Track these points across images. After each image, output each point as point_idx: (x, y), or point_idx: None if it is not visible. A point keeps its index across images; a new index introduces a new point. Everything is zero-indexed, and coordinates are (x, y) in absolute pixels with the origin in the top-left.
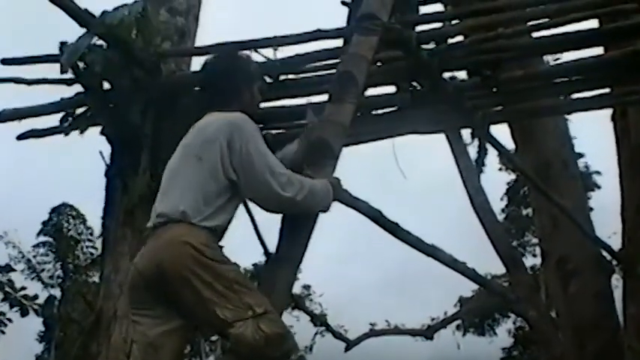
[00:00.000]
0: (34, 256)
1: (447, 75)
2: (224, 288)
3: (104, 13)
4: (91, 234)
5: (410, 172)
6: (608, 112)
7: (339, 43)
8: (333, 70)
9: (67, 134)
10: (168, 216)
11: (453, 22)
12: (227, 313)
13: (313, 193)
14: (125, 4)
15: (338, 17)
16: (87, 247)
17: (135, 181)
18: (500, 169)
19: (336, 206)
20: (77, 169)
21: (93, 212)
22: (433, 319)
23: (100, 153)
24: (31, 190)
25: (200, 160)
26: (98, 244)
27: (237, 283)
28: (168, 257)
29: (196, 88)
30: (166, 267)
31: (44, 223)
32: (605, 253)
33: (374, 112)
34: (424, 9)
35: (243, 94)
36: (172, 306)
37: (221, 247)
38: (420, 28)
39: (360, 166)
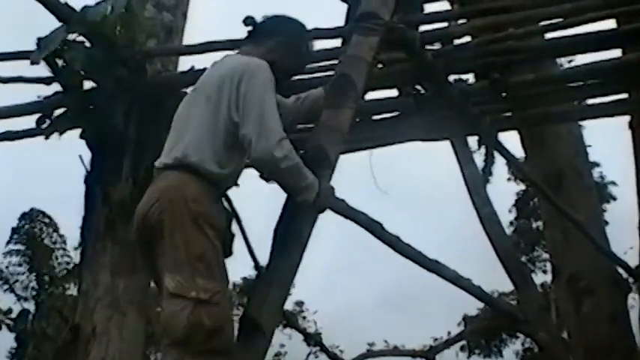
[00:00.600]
0: (7, 267)
1: (452, 78)
2: (185, 257)
3: (85, 7)
4: (65, 242)
5: (411, 180)
6: (626, 118)
7: (336, 43)
8: (331, 73)
9: (47, 137)
10: (165, 162)
11: (460, 21)
12: (172, 283)
13: (299, 170)
14: None
15: (335, 15)
16: (61, 256)
17: (116, 189)
18: (508, 179)
19: (332, 216)
20: (50, 173)
21: (67, 220)
22: (435, 340)
23: (80, 157)
24: None
25: (208, 100)
26: (73, 254)
27: (199, 259)
28: (155, 210)
29: (185, 90)
30: (155, 216)
31: (14, 230)
32: (620, 270)
33: (374, 118)
34: (429, 7)
35: (276, 44)
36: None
37: (219, 200)
38: (424, 27)
39: (358, 173)
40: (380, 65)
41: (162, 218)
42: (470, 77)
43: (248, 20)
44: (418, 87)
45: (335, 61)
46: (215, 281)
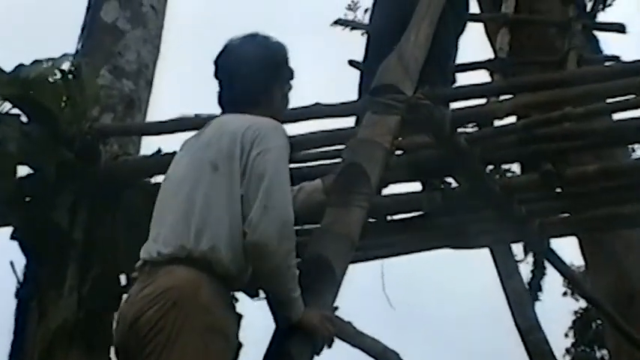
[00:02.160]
0: None
1: (492, 169)
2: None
3: (19, 67)
4: None
5: (438, 295)
6: None
7: (346, 122)
8: (336, 161)
9: None
10: (165, 252)
11: (502, 97)
12: None
13: (295, 276)
14: (50, 58)
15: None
16: None
17: (57, 305)
18: (564, 294)
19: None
20: None
21: None
22: None
23: (11, 264)
24: None
25: (215, 169)
26: None
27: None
28: (153, 315)
29: (148, 179)
30: (145, 330)
31: None
32: None
33: (391, 218)
34: (463, 79)
35: (274, 94)
36: None
37: (232, 303)
38: (456, 104)
39: (368, 284)
40: (400, 152)
41: (163, 326)
42: (515, 168)
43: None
44: (448, 180)
45: (341, 147)
46: None
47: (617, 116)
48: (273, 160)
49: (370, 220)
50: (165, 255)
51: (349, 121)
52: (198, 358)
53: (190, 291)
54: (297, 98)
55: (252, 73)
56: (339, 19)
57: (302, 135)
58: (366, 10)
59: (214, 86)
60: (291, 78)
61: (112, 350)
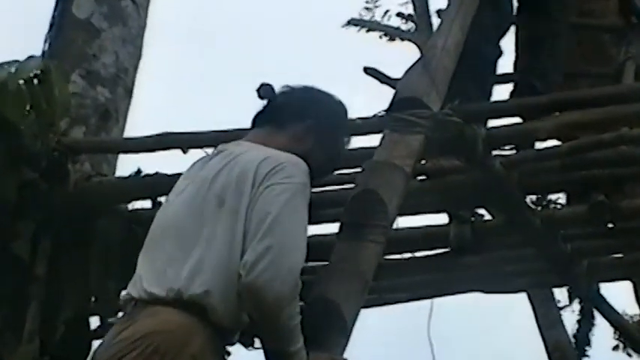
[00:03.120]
0: None
1: (532, 199)
2: None
3: None
4: None
5: (467, 345)
6: None
7: (361, 141)
8: (350, 187)
9: None
10: (154, 292)
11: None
12: None
13: (297, 328)
14: (12, 61)
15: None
16: None
17: (15, 353)
18: (614, 348)
19: None
20: None
21: None
22: None
23: None
24: None
25: (221, 205)
26: None
27: None
28: None
29: (126, 205)
30: None
31: None
32: None
33: (412, 256)
34: (500, 92)
35: (305, 130)
36: None
37: (225, 351)
38: (491, 123)
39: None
40: (423, 177)
41: None
42: (559, 199)
43: (263, 90)
44: (479, 211)
45: (355, 170)
46: None
47: None
48: (287, 195)
49: (387, 257)
50: (152, 294)
51: (365, 140)
52: None
53: (179, 337)
54: None
55: (290, 104)
56: (353, 19)
57: None
58: (386, 12)
59: (203, 94)
60: (338, 137)
61: None
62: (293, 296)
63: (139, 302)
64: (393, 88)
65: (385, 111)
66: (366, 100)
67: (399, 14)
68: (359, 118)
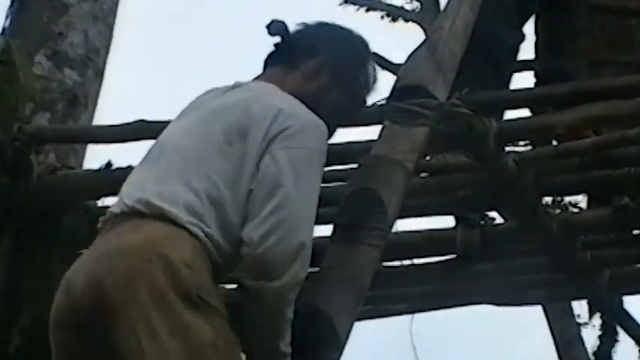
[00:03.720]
0: None
1: (548, 201)
2: (188, 351)
3: None
4: None
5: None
6: None
7: (359, 133)
8: (342, 184)
9: None
10: (145, 199)
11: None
12: None
13: (288, 326)
14: None
15: None
16: None
17: None
18: None
19: None
20: None
21: None
22: None
23: None
24: None
25: (229, 144)
26: None
27: (213, 347)
28: (118, 275)
29: (94, 201)
30: (110, 292)
31: None
32: None
33: (414, 262)
34: (518, 81)
35: (318, 67)
36: None
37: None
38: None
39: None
40: (427, 175)
41: (125, 298)
42: (579, 201)
43: (274, 26)
44: (490, 214)
45: (351, 166)
46: None
47: None
48: (303, 165)
49: (386, 263)
50: (134, 207)
51: (362, 133)
52: (193, 321)
53: (167, 247)
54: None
55: (316, 35)
56: None
57: None
58: None
59: (185, 78)
60: (356, 88)
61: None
62: (299, 279)
63: (119, 216)
64: (395, 74)
65: (385, 100)
66: None
67: None
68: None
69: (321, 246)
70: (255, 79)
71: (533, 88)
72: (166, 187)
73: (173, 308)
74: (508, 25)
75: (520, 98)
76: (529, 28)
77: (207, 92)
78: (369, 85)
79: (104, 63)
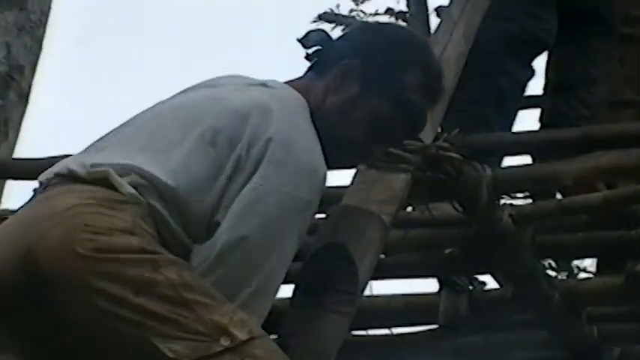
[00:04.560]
0: None
1: (549, 264)
2: (164, 301)
3: None
4: None
5: None
6: None
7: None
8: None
9: None
10: (91, 166)
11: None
12: (178, 347)
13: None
14: None
15: None
16: None
17: None
18: None
19: None
20: None
21: None
22: None
23: None
24: None
25: (213, 147)
26: None
27: (185, 286)
28: (52, 240)
29: None
30: (44, 259)
31: None
32: None
33: (391, 332)
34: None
35: (343, 81)
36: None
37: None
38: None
39: None
40: (407, 230)
41: (64, 265)
42: (586, 266)
43: (309, 38)
44: (479, 277)
45: (320, 216)
46: (229, 304)
47: None
48: (281, 214)
49: (356, 332)
50: (73, 171)
51: (332, 178)
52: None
53: (106, 210)
54: None
55: (348, 40)
56: (325, 14)
57: None
58: (375, 12)
59: (127, 98)
60: (399, 91)
61: None
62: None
63: (52, 180)
64: None
65: None
66: None
67: (388, 10)
68: None
69: (280, 310)
70: (289, 81)
71: (536, 131)
72: (124, 157)
73: (124, 271)
74: (517, 59)
75: (521, 142)
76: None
77: (230, 77)
78: (422, 86)
79: (30, 83)
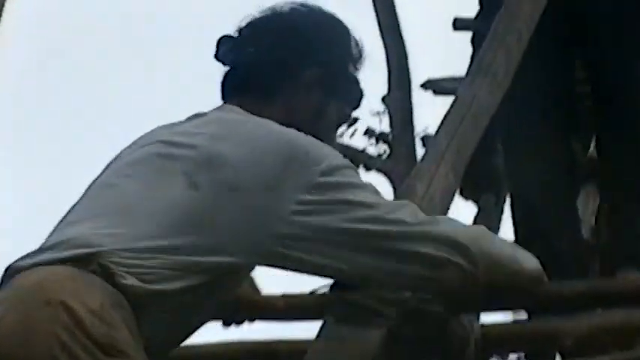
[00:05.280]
0: None
1: None
2: None
3: None
4: None
5: None
6: None
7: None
8: None
9: None
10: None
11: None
12: None
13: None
14: None
15: None
16: None
17: None
18: None
19: None
20: None
21: None
22: None
23: None
24: None
25: (195, 189)
26: None
27: None
28: (10, 321)
29: None
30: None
31: None
32: None
33: None
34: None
35: (306, 95)
36: None
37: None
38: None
39: None
40: None
41: (18, 352)
42: None
43: (224, 50)
44: None
45: None
46: None
47: None
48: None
49: None
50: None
51: (293, 330)
52: None
53: (71, 288)
54: None
55: (277, 43)
56: None
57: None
58: (353, 132)
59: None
60: (349, 86)
61: None
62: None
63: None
64: None
65: (329, 288)
66: None
67: (367, 131)
68: (283, 296)
69: None
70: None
71: None
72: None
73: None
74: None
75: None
76: None
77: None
78: (357, 66)
79: None
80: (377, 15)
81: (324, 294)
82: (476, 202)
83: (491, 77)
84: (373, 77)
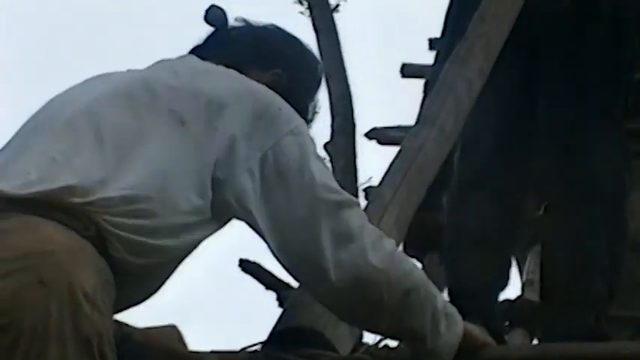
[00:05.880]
0: None
1: None
2: None
3: None
4: None
5: None
6: None
7: None
8: None
9: None
10: (35, 194)
11: None
12: None
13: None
14: None
15: None
16: None
17: None
18: None
19: None
20: None
21: None
22: None
23: None
24: None
25: (183, 126)
26: None
27: None
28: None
29: None
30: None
31: None
32: None
33: None
34: None
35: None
36: None
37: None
38: None
39: None
40: None
41: (16, 321)
42: None
43: (213, 14)
44: None
45: None
46: None
47: None
48: (311, 156)
49: None
50: (22, 194)
51: None
52: None
53: (65, 264)
54: None
55: (266, 43)
56: None
57: None
58: None
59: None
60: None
61: None
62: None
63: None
64: (281, 305)
65: (262, 344)
66: None
67: None
68: (213, 352)
69: None
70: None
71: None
72: (83, 166)
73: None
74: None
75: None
76: None
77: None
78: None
79: None
80: (322, 58)
81: (255, 351)
82: (420, 261)
83: (438, 128)
84: (316, 123)
